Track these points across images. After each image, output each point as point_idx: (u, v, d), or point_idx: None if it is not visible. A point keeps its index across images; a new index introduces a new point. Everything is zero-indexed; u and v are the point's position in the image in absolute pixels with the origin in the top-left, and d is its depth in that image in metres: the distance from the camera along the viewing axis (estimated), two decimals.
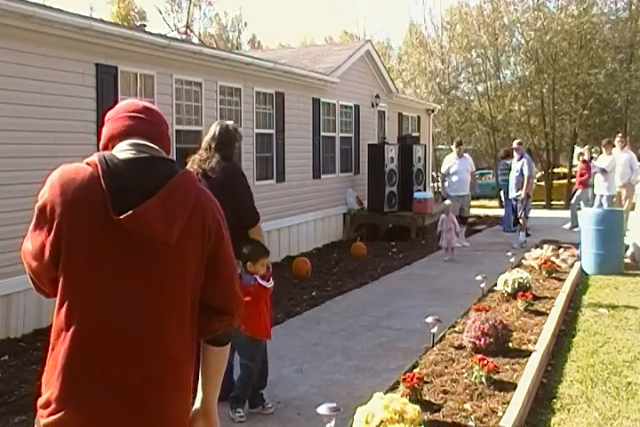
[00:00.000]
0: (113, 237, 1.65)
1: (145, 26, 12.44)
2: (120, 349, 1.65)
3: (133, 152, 1.75)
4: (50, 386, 1.66)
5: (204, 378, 1.86)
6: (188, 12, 35.28)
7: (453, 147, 12.41)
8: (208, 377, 1.86)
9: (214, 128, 4.51)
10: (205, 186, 4.55)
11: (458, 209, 11.80)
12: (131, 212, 1.62)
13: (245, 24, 46.33)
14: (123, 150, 1.76)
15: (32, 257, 1.72)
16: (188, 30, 30.04)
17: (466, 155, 12.29)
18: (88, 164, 1.72)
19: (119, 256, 1.66)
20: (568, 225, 13.89)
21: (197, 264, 1.74)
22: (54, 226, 1.66)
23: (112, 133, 1.84)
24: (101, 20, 8.35)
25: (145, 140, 1.81)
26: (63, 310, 1.67)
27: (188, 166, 4.40)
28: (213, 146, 4.42)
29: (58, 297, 1.69)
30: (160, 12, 36.73)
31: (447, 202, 10.86)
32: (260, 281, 4.24)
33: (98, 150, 1.83)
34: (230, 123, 4.62)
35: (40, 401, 1.69)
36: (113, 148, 1.81)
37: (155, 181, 1.70)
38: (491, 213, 16.46)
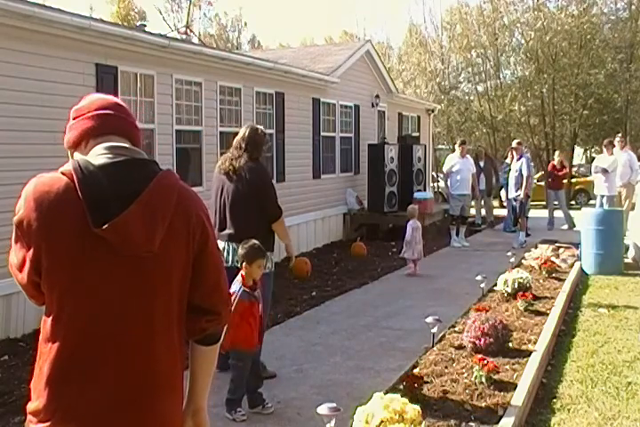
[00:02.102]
0: (94, 247, 1.61)
1: (145, 26, 12.41)
2: (108, 358, 1.63)
3: (110, 156, 1.69)
4: (38, 394, 1.65)
5: (192, 378, 1.85)
6: (188, 12, 35.32)
7: (457, 146, 12.37)
8: (197, 377, 1.85)
9: (244, 130, 4.95)
10: (234, 183, 4.81)
11: (459, 208, 11.81)
12: (109, 224, 1.58)
13: (245, 24, 46.47)
14: (98, 155, 1.70)
15: (17, 269, 1.70)
16: (188, 30, 30.05)
17: (467, 155, 12.26)
18: (63, 173, 1.66)
19: (102, 266, 1.63)
20: (565, 226, 13.88)
21: (183, 266, 1.72)
22: (33, 242, 1.63)
23: (85, 132, 1.78)
24: (101, 20, 8.36)
25: (120, 138, 1.77)
26: (50, 319, 1.65)
27: (218, 164, 4.97)
28: (243, 146, 4.86)
29: (45, 306, 1.67)
30: (160, 12, 36.76)
31: (412, 206, 9.87)
32: (241, 295, 4.11)
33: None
34: (260, 127, 5.06)
35: (29, 407, 1.68)
36: (86, 146, 1.76)
37: (134, 186, 1.64)
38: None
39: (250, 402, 4.37)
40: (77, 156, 1.77)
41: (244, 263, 4.24)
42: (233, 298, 4.08)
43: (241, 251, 4.28)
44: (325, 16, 67.46)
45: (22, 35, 6.22)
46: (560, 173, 14.16)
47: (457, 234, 11.90)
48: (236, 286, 4.20)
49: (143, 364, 1.66)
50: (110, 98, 1.88)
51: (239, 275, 4.25)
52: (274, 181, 10.27)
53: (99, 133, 1.77)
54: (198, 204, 1.79)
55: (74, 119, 1.83)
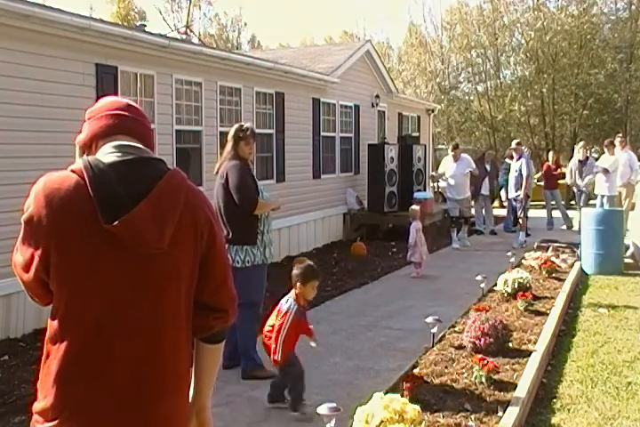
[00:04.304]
0: (104, 244, 1.62)
1: (145, 26, 12.41)
2: (116, 356, 1.63)
3: (119, 155, 1.71)
4: (45, 393, 1.65)
5: (197, 376, 1.85)
6: (188, 12, 35.33)
7: (449, 150, 12.22)
8: (202, 375, 1.85)
9: (232, 129, 5.10)
10: (216, 182, 4.96)
11: (457, 210, 11.72)
12: (120, 220, 1.59)
13: (245, 24, 46.50)
14: (107, 153, 1.71)
15: (22, 269, 1.70)
16: (188, 30, 30.05)
17: (464, 155, 12.11)
18: (73, 171, 1.67)
19: (112, 263, 1.64)
20: (564, 226, 13.83)
21: (191, 264, 1.73)
22: (42, 239, 1.63)
23: (95, 132, 1.80)
24: (101, 20, 8.36)
25: (130, 138, 1.78)
26: (58, 317, 1.65)
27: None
28: (229, 144, 5.02)
29: (52, 305, 1.68)
30: (160, 12, 36.78)
31: (414, 207, 9.70)
32: (296, 311, 4.20)
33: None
34: (247, 124, 5.13)
35: (36, 407, 1.68)
36: (96, 147, 1.77)
37: (143, 185, 1.66)
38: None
39: (270, 396, 4.39)
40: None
41: (298, 283, 4.27)
42: (288, 314, 4.20)
43: (296, 271, 4.31)
44: (325, 16, 67.53)
45: (22, 35, 6.22)
46: (555, 173, 14.15)
47: (457, 234, 11.84)
48: (289, 302, 4.28)
49: (151, 362, 1.66)
50: (122, 99, 1.91)
51: (292, 292, 4.33)
52: (273, 182, 10.48)
53: (108, 133, 1.78)
54: (206, 203, 1.81)
55: (88, 120, 1.85)
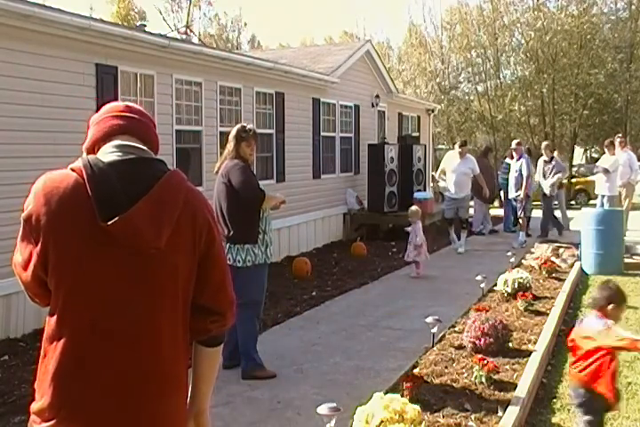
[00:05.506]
0: (102, 243, 1.62)
1: (145, 26, 12.40)
2: (113, 355, 1.63)
3: (119, 154, 1.71)
4: (42, 393, 1.65)
5: (195, 379, 1.85)
6: (188, 12, 35.35)
7: (456, 146, 11.73)
8: (201, 378, 1.85)
9: (233, 129, 5.11)
10: (216, 181, 5.00)
11: (452, 212, 11.49)
12: (117, 218, 1.59)
13: (245, 24, 46.53)
14: (108, 153, 1.72)
15: (21, 268, 1.71)
16: (188, 30, 30.06)
17: (469, 155, 11.83)
18: (73, 169, 1.68)
19: (109, 262, 1.64)
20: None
21: (189, 265, 1.73)
22: (41, 237, 1.64)
23: (97, 136, 1.81)
24: (101, 20, 8.36)
25: (132, 138, 1.78)
26: (55, 316, 1.65)
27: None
28: (230, 144, 5.03)
29: (50, 304, 1.68)
30: (160, 12, 36.79)
31: (415, 207, 9.61)
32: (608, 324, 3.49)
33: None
34: (250, 126, 5.16)
35: (33, 407, 1.68)
36: (98, 151, 1.78)
37: (142, 184, 1.66)
38: (491, 212, 16.41)
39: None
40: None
41: (612, 304, 3.66)
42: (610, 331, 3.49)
43: (607, 292, 3.69)
44: (325, 16, 67.59)
45: (22, 35, 6.21)
46: None
47: (456, 235, 11.70)
48: (602, 321, 3.60)
49: (148, 363, 1.66)
50: (122, 102, 1.92)
51: (594, 315, 3.66)
52: (273, 182, 10.49)
53: (109, 135, 1.79)
54: (205, 204, 1.81)
55: (91, 126, 1.86)
